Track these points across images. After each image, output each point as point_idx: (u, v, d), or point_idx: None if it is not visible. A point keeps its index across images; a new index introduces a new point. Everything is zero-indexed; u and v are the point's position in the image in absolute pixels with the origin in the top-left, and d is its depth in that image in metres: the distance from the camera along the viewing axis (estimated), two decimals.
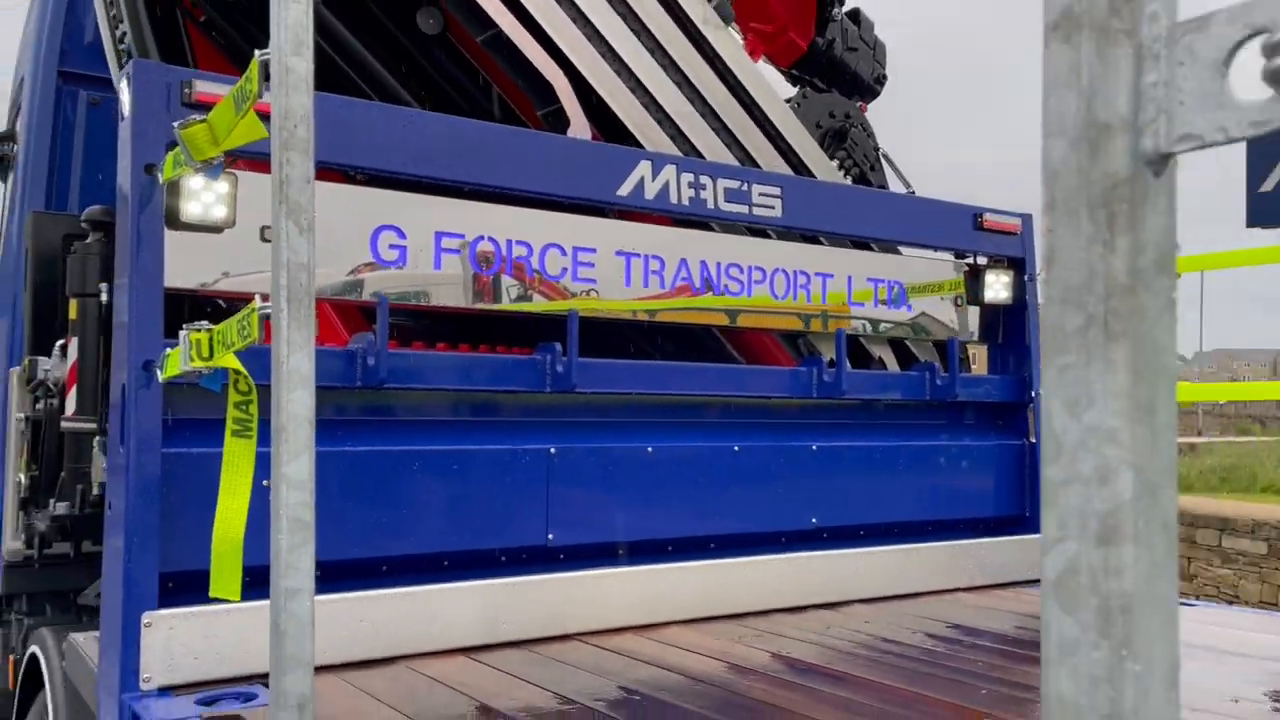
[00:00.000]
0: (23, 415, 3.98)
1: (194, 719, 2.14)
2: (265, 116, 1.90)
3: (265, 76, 1.67)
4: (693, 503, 3.27)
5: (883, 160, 4.48)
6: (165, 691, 2.29)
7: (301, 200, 1.53)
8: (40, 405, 3.88)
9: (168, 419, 2.44)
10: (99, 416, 3.52)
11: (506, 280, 2.99)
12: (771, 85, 3.84)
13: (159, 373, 2.34)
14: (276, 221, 1.53)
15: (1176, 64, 0.51)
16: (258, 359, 1.97)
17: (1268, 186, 6.01)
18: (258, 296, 1.68)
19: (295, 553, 1.48)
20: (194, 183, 2.43)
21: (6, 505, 4.17)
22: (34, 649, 3.64)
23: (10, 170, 5.26)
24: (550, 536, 3.00)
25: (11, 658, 4.17)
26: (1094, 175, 0.53)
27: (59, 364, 3.73)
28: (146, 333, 2.41)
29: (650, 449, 3.21)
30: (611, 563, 3.08)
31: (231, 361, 1.94)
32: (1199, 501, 8.67)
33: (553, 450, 3.03)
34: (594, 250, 3.12)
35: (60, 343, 3.72)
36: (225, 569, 2.00)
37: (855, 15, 4.63)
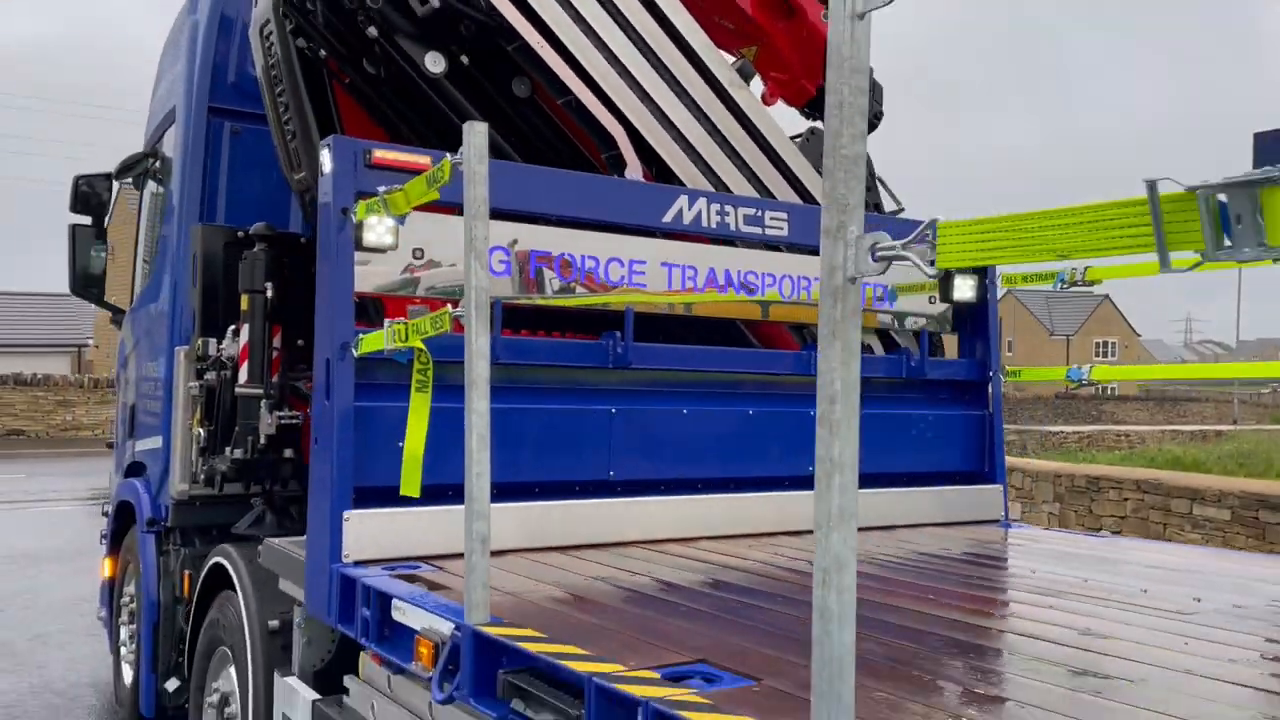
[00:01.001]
0: (195, 384, 5.07)
1: (384, 575, 3.25)
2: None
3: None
4: (716, 452, 4.33)
5: (878, 183, 5.50)
6: (360, 564, 3.40)
7: (482, 249, 2.61)
8: (210, 375, 4.96)
9: (357, 383, 3.54)
10: (265, 384, 4.62)
11: (581, 284, 4.07)
12: (782, 129, 4.87)
13: (354, 350, 3.44)
14: (468, 262, 2.60)
15: (859, 250, 1.57)
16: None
17: None
18: (449, 304, 2.76)
19: (480, 453, 2.57)
20: (372, 219, 3.51)
21: (176, 454, 5.26)
22: (216, 560, 4.74)
23: (151, 181, 6.37)
24: (611, 473, 4.07)
25: (187, 573, 5.30)
26: (833, 284, 1.59)
27: (231, 344, 4.82)
28: (344, 322, 3.49)
29: (685, 411, 4.27)
30: (655, 493, 4.16)
31: (418, 343, 3.03)
32: (1172, 475, 9.62)
33: (613, 410, 4.10)
34: (645, 262, 4.18)
35: (232, 327, 4.80)
36: (410, 477, 3.09)
37: None
